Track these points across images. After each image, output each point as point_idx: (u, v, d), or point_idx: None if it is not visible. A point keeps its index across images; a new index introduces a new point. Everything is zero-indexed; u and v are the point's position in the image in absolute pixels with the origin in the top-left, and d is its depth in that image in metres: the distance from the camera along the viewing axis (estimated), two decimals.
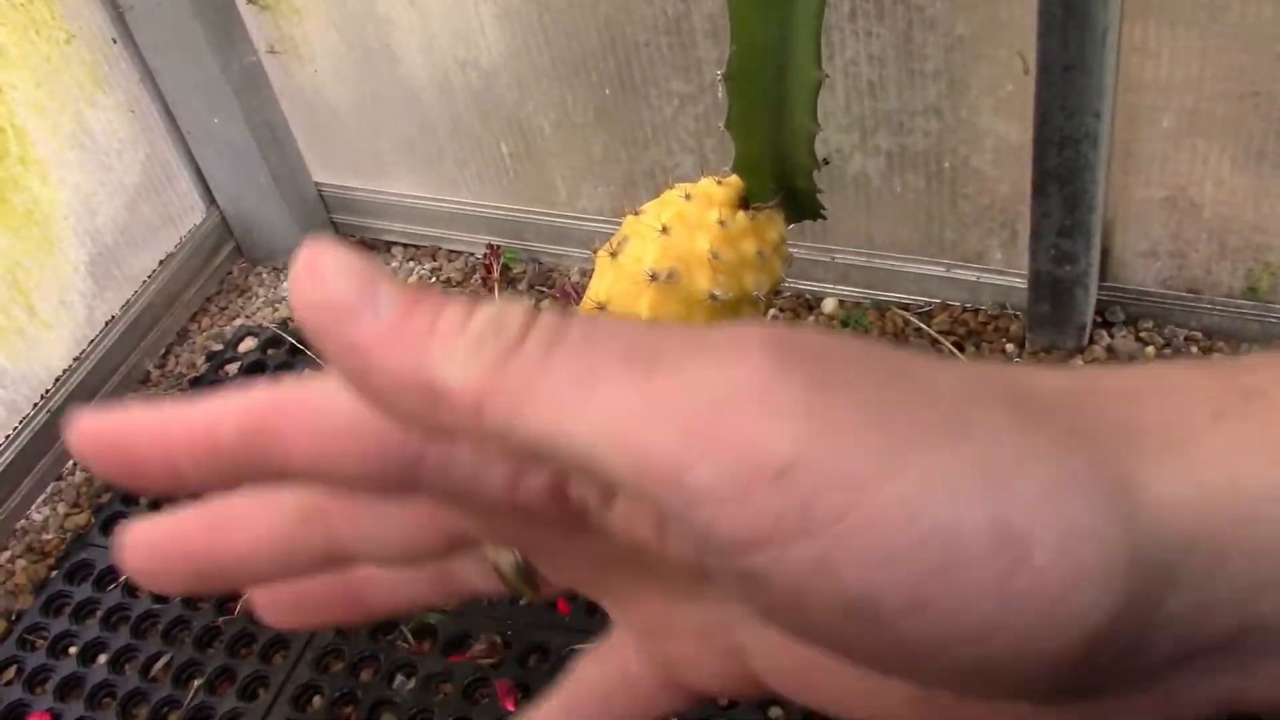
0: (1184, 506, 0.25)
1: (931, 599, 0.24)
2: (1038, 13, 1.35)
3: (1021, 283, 1.66)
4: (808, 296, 1.83)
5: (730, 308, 0.72)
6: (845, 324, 1.77)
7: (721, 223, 0.72)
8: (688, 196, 0.74)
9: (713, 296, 0.71)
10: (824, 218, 0.76)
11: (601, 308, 0.72)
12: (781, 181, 0.74)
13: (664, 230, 0.71)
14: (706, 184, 0.74)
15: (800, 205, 0.76)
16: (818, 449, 0.24)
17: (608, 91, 1.74)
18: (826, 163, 1.74)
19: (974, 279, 1.72)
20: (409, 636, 1.54)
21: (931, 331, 1.72)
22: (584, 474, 0.25)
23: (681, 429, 0.24)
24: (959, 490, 0.24)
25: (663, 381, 0.25)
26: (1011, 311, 1.72)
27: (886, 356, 0.27)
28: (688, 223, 0.72)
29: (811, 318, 1.80)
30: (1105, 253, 1.61)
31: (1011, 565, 0.24)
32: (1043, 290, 1.61)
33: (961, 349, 1.70)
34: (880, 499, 0.24)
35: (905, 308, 1.77)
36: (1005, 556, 0.24)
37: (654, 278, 0.70)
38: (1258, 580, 0.25)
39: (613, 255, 0.72)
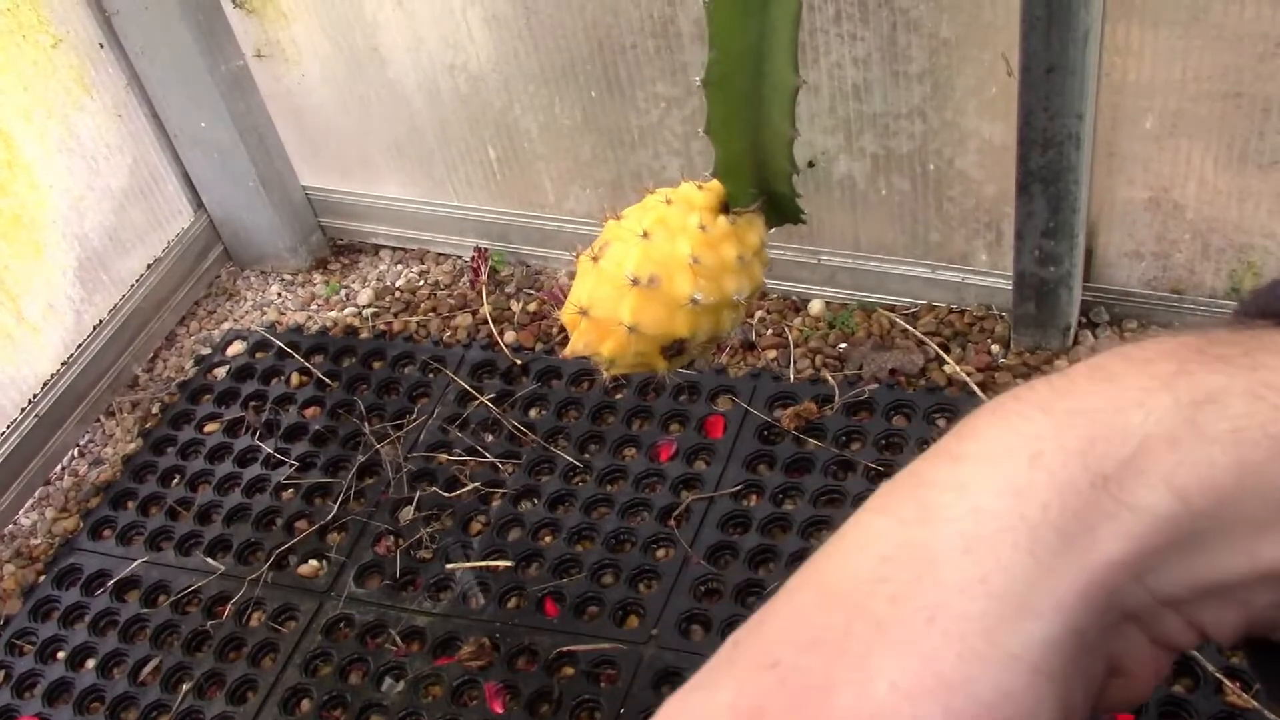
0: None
1: None
2: (1021, 14, 1.36)
3: (1006, 284, 1.66)
4: (794, 298, 1.83)
5: (711, 312, 0.72)
6: (832, 325, 1.78)
7: (702, 227, 0.72)
8: (668, 201, 0.74)
9: (694, 301, 0.71)
10: (804, 222, 0.76)
11: (584, 313, 0.73)
12: (761, 186, 0.74)
13: (645, 235, 0.72)
14: (687, 188, 0.74)
15: (780, 210, 0.76)
16: None
17: (594, 94, 1.75)
18: (812, 165, 1.74)
19: (959, 280, 1.73)
20: (397, 639, 1.54)
21: (917, 333, 1.73)
22: None
23: None
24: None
25: None
26: (996, 312, 1.73)
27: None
28: (669, 227, 0.72)
29: (798, 319, 1.80)
30: (1089, 254, 1.62)
31: None
32: (1027, 291, 1.62)
33: (947, 350, 1.70)
34: None
35: (891, 309, 1.78)
36: None
37: (635, 282, 0.71)
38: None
39: (594, 260, 0.73)
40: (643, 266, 0.71)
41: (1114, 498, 0.32)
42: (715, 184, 0.75)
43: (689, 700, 0.38)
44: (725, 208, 0.74)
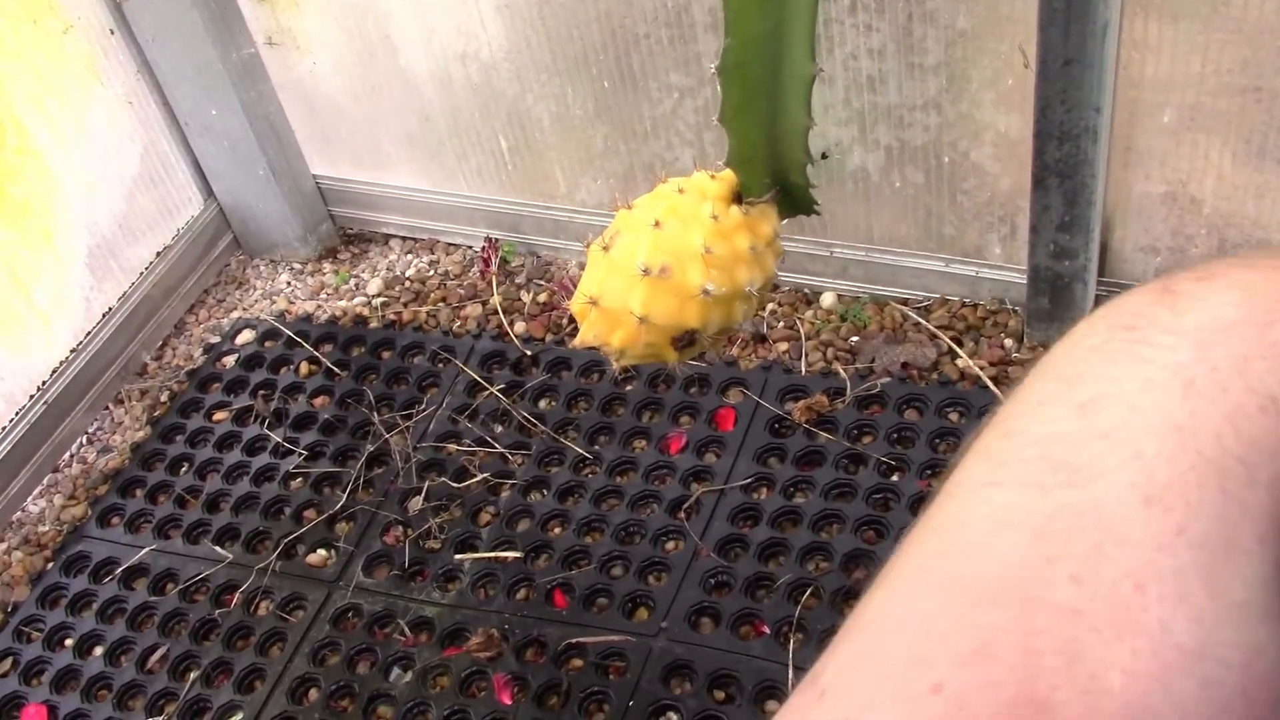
0: None
1: None
2: (1038, 6, 1.34)
3: (1020, 278, 1.65)
4: (806, 291, 1.82)
5: (723, 303, 0.71)
6: (844, 318, 1.77)
7: (715, 217, 0.71)
8: (681, 190, 0.73)
9: (705, 292, 0.70)
10: (818, 213, 0.75)
11: (594, 303, 0.72)
12: (775, 176, 0.73)
13: (657, 224, 0.71)
14: (700, 178, 0.73)
15: (794, 200, 0.75)
16: None
17: (607, 85, 1.74)
18: (825, 157, 1.73)
19: (973, 274, 1.72)
20: (406, 629, 1.54)
21: (930, 326, 1.72)
22: None
23: None
24: None
25: None
26: (1010, 306, 1.72)
27: None
28: (681, 217, 0.71)
29: (810, 312, 1.79)
30: (1104, 248, 1.60)
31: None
32: (1042, 285, 1.61)
33: (960, 344, 1.69)
34: None
35: (904, 302, 1.77)
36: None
37: (646, 272, 0.70)
38: None
39: (605, 249, 0.72)
40: (654, 256, 0.70)
41: None
42: (728, 173, 0.74)
43: None
44: (738, 198, 0.73)
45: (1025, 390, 0.33)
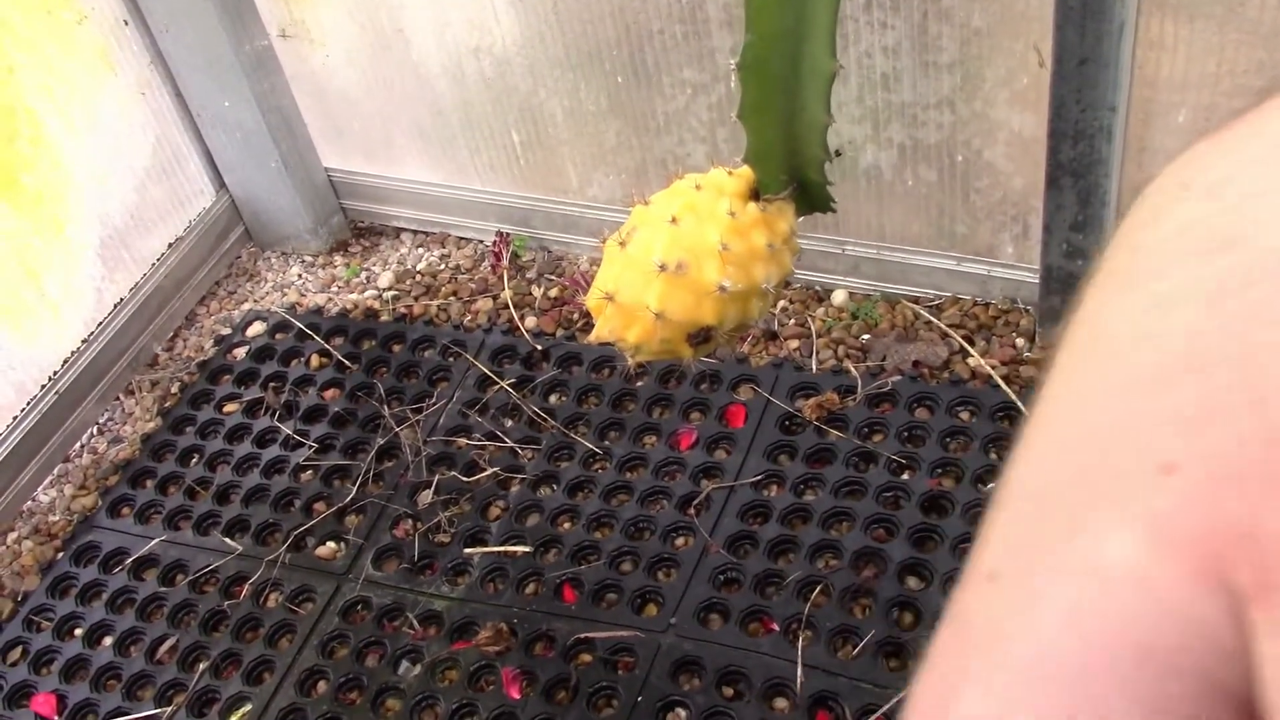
0: None
1: None
2: (1054, 5, 1.34)
3: (1032, 277, 1.65)
4: (818, 288, 1.82)
5: (739, 299, 0.71)
6: (855, 316, 1.76)
7: (732, 214, 0.71)
8: (698, 187, 0.73)
9: (721, 288, 0.70)
10: (834, 210, 0.75)
11: (610, 298, 0.72)
12: (793, 173, 0.73)
13: (674, 221, 0.71)
14: (717, 174, 0.73)
15: (811, 197, 0.75)
16: None
17: (620, 80, 1.74)
18: (839, 154, 1.73)
19: (985, 273, 1.71)
20: (415, 623, 1.54)
21: (941, 325, 1.71)
22: None
23: None
24: None
25: None
26: (1022, 306, 1.72)
27: None
28: (698, 213, 0.71)
29: (821, 309, 1.79)
30: None
31: None
32: (1054, 285, 1.61)
33: (971, 342, 1.69)
34: None
35: (915, 301, 1.76)
36: None
37: (663, 268, 0.70)
38: None
39: (622, 245, 0.72)
40: (671, 252, 0.70)
41: None
42: (746, 170, 0.74)
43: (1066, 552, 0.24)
44: (755, 194, 0.73)
45: (1129, 223, 0.29)
